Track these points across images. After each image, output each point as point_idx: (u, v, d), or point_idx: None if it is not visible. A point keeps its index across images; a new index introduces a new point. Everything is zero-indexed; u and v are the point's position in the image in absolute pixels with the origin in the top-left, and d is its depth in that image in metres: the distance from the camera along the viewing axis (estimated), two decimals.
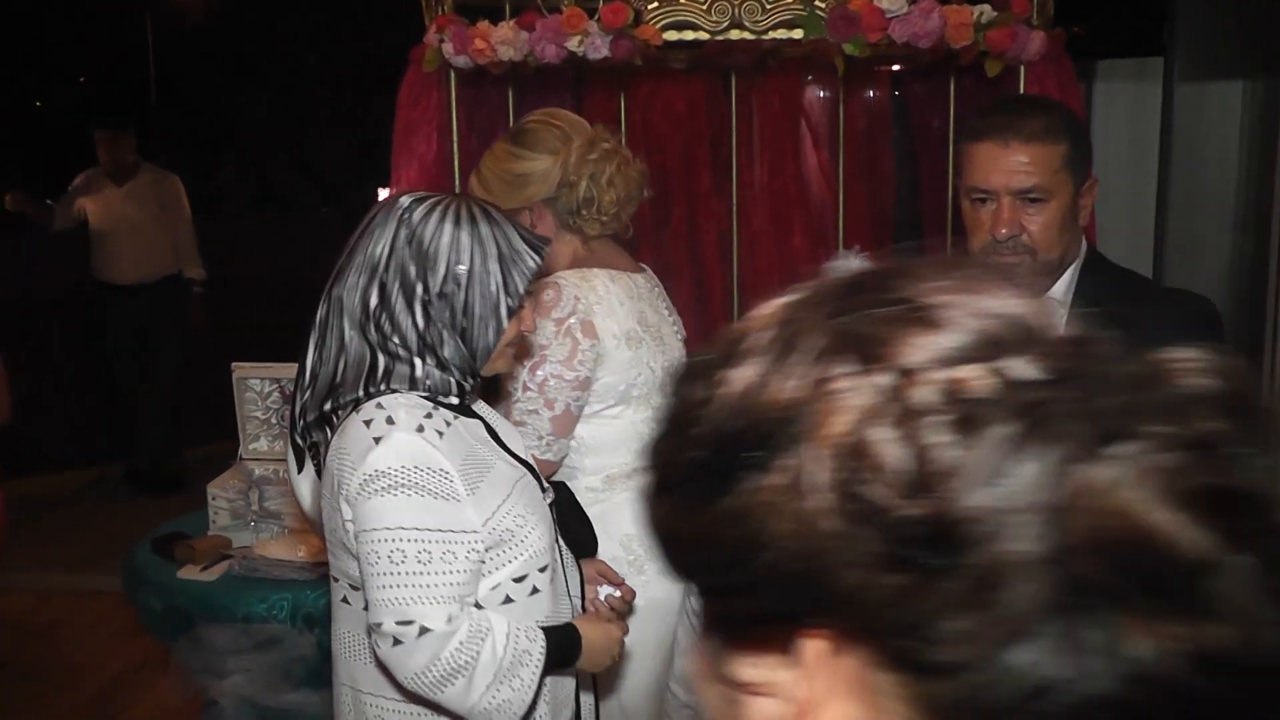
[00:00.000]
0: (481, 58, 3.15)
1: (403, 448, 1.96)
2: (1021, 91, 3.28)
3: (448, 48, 3.20)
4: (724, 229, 4.33)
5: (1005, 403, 0.56)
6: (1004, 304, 0.61)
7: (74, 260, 6.66)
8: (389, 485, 1.94)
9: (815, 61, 4.05)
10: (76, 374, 7.22)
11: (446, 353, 2.04)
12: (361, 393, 2.03)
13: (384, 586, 1.95)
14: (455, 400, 2.09)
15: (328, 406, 2.07)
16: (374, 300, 2.02)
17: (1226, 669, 0.55)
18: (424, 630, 1.94)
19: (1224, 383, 0.58)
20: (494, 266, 2.02)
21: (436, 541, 1.95)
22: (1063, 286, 2.21)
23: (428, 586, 1.95)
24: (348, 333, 2.04)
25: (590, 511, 2.46)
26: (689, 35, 3.21)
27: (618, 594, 2.36)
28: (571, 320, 2.54)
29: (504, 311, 2.04)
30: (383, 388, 2.02)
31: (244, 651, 3.31)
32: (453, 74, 3.35)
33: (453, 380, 2.07)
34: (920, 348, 0.58)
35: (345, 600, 2.13)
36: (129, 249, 6.57)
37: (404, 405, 2.01)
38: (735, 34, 3.18)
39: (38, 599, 5.45)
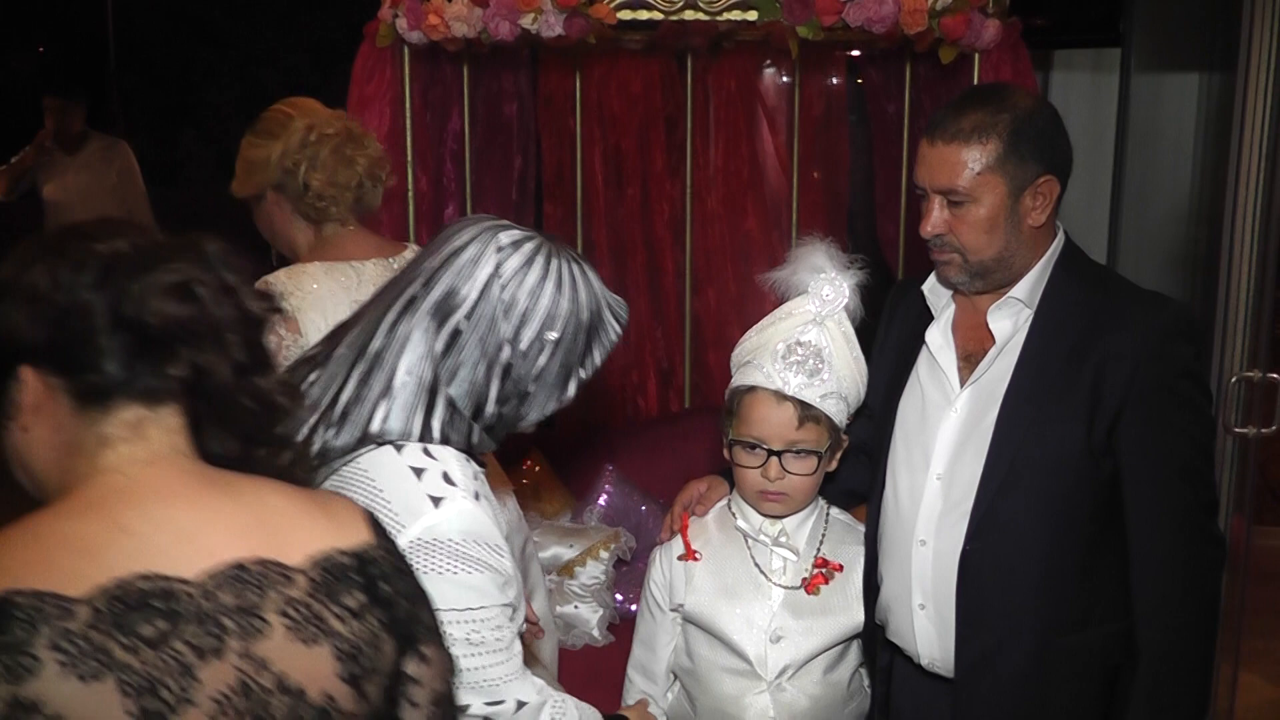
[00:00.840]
0: (435, 34, 3.13)
1: (467, 518, 1.73)
2: (975, 79, 3.27)
3: (402, 23, 3.17)
4: (677, 209, 4.33)
5: (99, 259, 1.24)
6: (122, 236, 1.30)
7: (31, 230, 6.59)
8: (456, 561, 1.71)
9: (771, 45, 4.05)
10: None
11: (506, 410, 1.82)
12: (416, 435, 1.78)
13: (467, 669, 1.75)
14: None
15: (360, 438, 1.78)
16: (441, 345, 1.77)
17: (221, 382, 1.29)
18: (521, 704, 1.82)
19: (205, 250, 1.35)
20: (581, 337, 1.79)
21: (506, 616, 1.79)
22: (1027, 286, 2.16)
23: (511, 663, 1.80)
24: (401, 375, 1.76)
25: None
26: (644, 15, 3.19)
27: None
28: None
29: (574, 384, 1.82)
30: (435, 438, 1.78)
31: None
32: (406, 50, 3.32)
33: (490, 442, 1.86)
34: (65, 250, 1.26)
35: None
36: (85, 218, 6.50)
37: (456, 461, 1.78)
38: (690, 15, 3.16)
39: None
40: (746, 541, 2.29)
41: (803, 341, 2.19)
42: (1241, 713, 3.90)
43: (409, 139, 3.39)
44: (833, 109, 4.35)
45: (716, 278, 4.43)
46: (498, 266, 1.74)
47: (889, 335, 2.42)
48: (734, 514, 2.33)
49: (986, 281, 2.18)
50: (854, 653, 2.33)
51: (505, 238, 1.76)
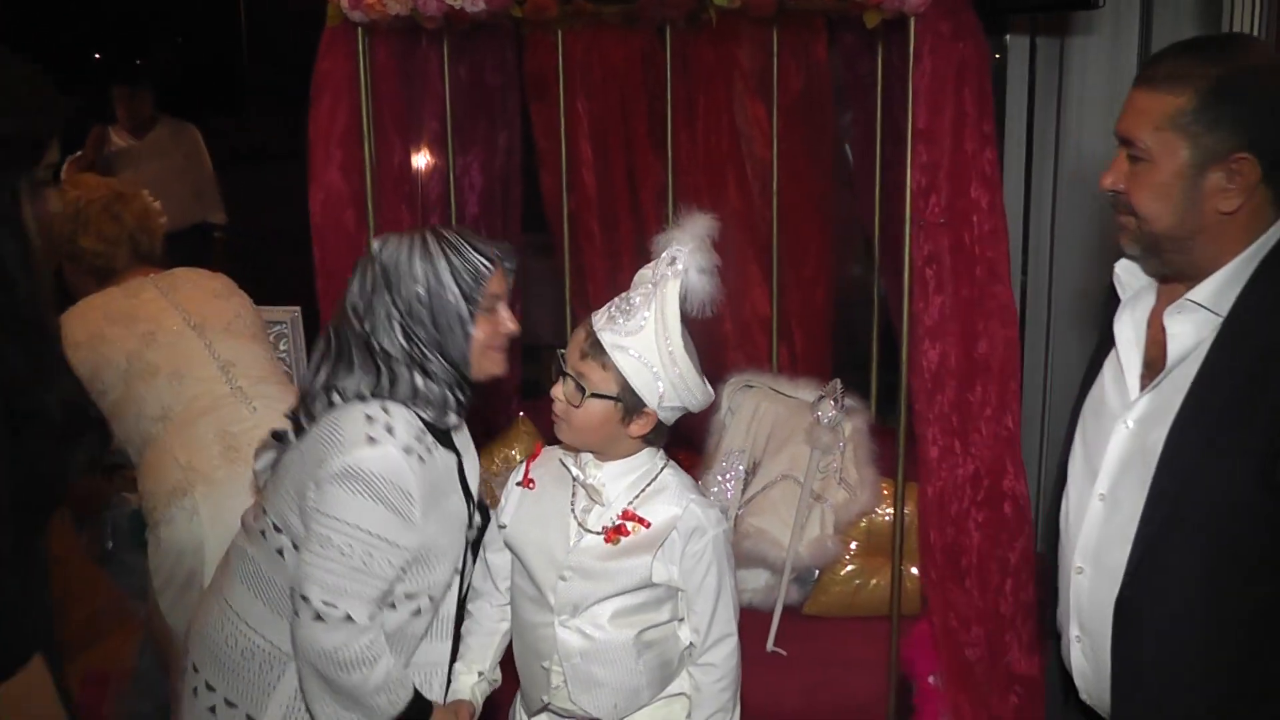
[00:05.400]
0: (373, 12, 3.22)
1: (390, 461, 2.19)
2: (910, 46, 3.25)
3: (344, 2, 3.26)
4: (661, 180, 4.38)
5: None
6: None
7: None
8: (365, 488, 2.18)
9: (747, 16, 4.07)
10: None
11: (433, 367, 2.27)
12: (369, 393, 2.26)
13: (326, 570, 2.19)
14: (454, 419, 2.34)
15: (328, 400, 2.30)
16: (364, 326, 2.29)
17: None
18: (348, 618, 2.19)
19: None
20: (448, 280, 2.26)
21: (382, 549, 2.20)
22: (1212, 288, 1.84)
23: (362, 583, 2.20)
24: (354, 352, 2.30)
25: None
26: None
27: None
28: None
29: (467, 317, 2.28)
30: (388, 396, 2.27)
31: None
32: (360, 30, 3.42)
33: (448, 395, 2.31)
34: None
35: (280, 553, 2.34)
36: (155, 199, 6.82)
37: (404, 420, 2.25)
38: None
39: None
40: (573, 484, 2.36)
41: (631, 294, 2.23)
42: None
43: (365, 115, 3.50)
44: (812, 78, 4.34)
45: None
46: (373, 258, 2.31)
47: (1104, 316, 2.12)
48: (566, 454, 2.40)
49: (1162, 261, 1.91)
50: (660, 613, 2.33)
51: (376, 243, 2.33)
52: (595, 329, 2.23)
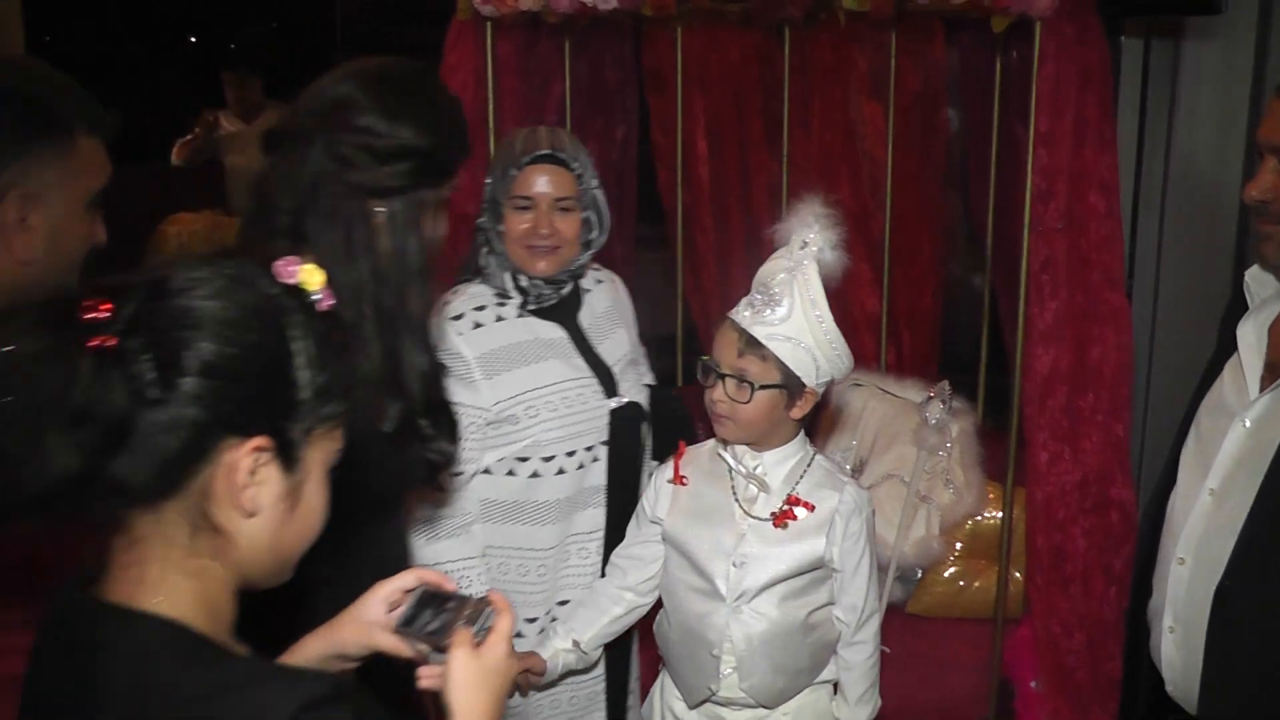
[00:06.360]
0: (504, 7, 3.28)
1: (446, 332, 2.46)
2: (1036, 49, 3.25)
3: None
4: (775, 178, 4.41)
5: None
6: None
7: (214, 193, 7.09)
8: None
9: (868, 17, 4.08)
10: None
11: (498, 246, 2.59)
12: (468, 273, 2.63)
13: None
14: (516, 298, 2.58)
15: None
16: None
17: None
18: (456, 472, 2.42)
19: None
20: (494, 165, 2.61)
21: (469, 416, 2.44)
22: None
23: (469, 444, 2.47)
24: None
25: None
26: None
27: None
28: None
29: (499, 211, 2.58)
30: (473, 275, 2.62)
31: None
32: (489, 24, 3.48)
33: (506, 277, 2.58)
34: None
35: None
36: None
37: (465, 295, 2.57)
38: None
39: None
40: (730, 473, 2.41)
41: (768, 284, 2.26)
42: None
43: (490, 106, 3.56)
44: (928, 80, 4.35)
45: None
46: None
47: (1226, 320, 2.14)
48: (722, 447, 2.45)
49: None
50: (821, 595, 2.40)
51: None
52: (744, 326, 2.28)
